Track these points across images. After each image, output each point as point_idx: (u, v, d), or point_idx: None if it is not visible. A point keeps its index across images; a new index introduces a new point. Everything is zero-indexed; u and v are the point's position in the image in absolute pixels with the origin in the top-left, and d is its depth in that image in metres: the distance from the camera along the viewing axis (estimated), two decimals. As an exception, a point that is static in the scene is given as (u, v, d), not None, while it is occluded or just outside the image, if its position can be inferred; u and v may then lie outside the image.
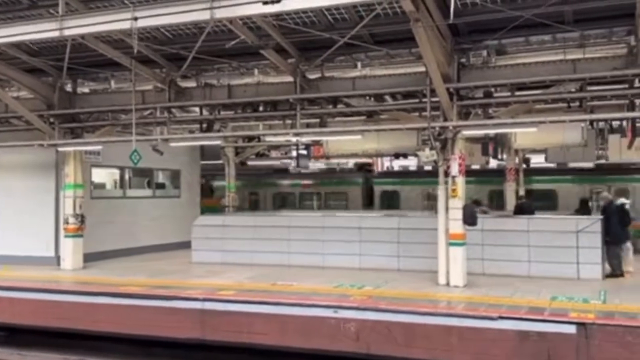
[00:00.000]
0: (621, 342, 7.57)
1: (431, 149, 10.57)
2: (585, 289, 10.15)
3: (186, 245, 15.26)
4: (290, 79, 11.71)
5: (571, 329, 7.88)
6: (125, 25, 8.43)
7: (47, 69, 12.93)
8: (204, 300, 9.91)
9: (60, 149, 13.54)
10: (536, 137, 11.82)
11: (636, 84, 9.96)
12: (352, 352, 8.96)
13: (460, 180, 10.62)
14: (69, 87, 13.94)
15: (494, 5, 9.27)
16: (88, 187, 14.74)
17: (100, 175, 15.92)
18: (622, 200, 13.22)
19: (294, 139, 14.05)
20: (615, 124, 14.58)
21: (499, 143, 13.82)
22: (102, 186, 16.11)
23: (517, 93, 11.01)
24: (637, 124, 11.02)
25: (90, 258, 14.12)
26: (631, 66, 9.68)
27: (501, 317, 8.28)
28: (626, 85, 10.30)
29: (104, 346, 10.83)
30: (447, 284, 10.69)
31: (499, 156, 14.36)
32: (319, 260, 13.22)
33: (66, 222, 13.63)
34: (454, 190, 10.61)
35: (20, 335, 11.51)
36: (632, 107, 10.43)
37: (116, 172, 16.34)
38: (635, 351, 7.49)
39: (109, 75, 13.83)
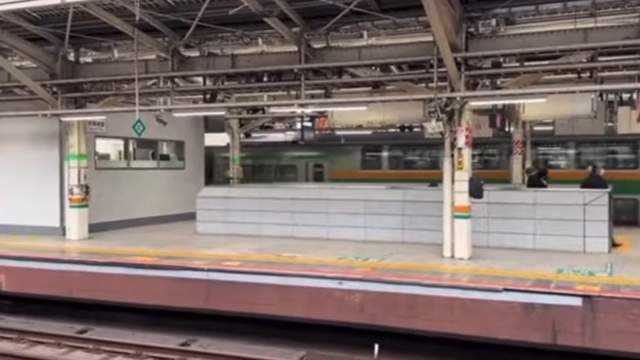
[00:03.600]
0: (627, 315, 7.53)
1: (437, 120, 10.42)
2: (592, 261, 10.11)
3: (190, 216, 15.28)
4: (294, 48, 11.51)
5: (577, 302, 7.83)
6: (127, -9, 8.27)
7: (49, 37, 12.76)
8: (209, 270, 9.93)
9: (63, 119, 13.48)
10: (545, 109, 11.69)
11: (648, 54, 9.72)
12: (356, 322, 8.98)
13: (467, 152, 10.50)
14: (71, 57, 13.78)
15: (505, -29, 9.03)
16: (92, 157, 14.73)
17: (104, 146, 15.90)
18: None
19: (298, 110, 13.89)
20: (624, 96, 14.33)
21: (507, 115, 13.64)
22: (106, 157, 16.09)
23: (526, 63, 10.78)
24: (648, 96, 10.83)
25: (94, 228, 14.18)
26: (643, 36, 9.44)
27: (506, 290, 8.25)
28: (638, 56, 10.07)
29: (112, 316, 10.93)
30: (452, 257, 10.66)
31: (507, 128, 14.18)
32: (323, 233, 13.21)
33: (71, 192, 13.64)
34: (460, 162, 10.50)
35: (29, 305, 11.61)
36: (643, 77, 10.23)
37: (120, 143, 16.30)
38: (640, 324, 7.46)
39: (112, 45, 13.63)
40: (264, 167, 22.10)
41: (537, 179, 13.31)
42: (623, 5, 9.91)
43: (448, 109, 10.46)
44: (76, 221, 13.65)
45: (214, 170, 22.57)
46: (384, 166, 19.70)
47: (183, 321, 10.47)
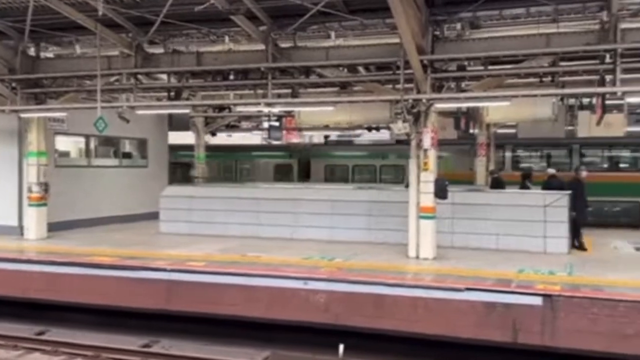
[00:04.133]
0: (586, 314, 7.70)
1: (404, 121, 10.51)
2: (552, 261, 10.32)
3: (154, 216, 15.04)
4: (261, 47, 11.45)
5: (537, 301, 7.98)
6: (90, -15, 8.10)
7: (8, 31, 12.41)
8: (171, 271, 9.78)
9: (22, 115, 13.10)
10: (508, 112, 11.89)
11: (607, 60, 9.98)
12: (321, 322, 8.96)
13: (433, 154, 10.61)
14: (32, 51, 13.41)
15: (470, -24, 9.16)
16: (52, 155, 14.37)
17: (64, 143, 15.53)
18: None
19: (265, 109, 13.81)
20: (584, 101, 14.71)
21: (471, 117, 13.82)
22: (66, 154, 15.71)
23: (490, 67, 10.98)
24: (607, 100, 11.11)
25: (54, 227, 13.84)
26: (603, 42, 9.70)
27: (468, 289, 8.35)
28: (598, 61, 10.34)
29: (70, 317, 10.64)
30: (417, 257, 10.75)
31: (471, 130, 14.39)
32: (289, 233, 13.16)
33: (30, 190, 13.29)
34: (425, 163, 10.61)
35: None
36: (602, 82, 10.48)
37: (81, 140, 15.94)
38: (600, 323, 7.63)
39: (74, 40, 13.32)
40: (365, 168, 20.13)
41: (522, 181, 13.40)
42: (584, 12, 10.17)
43: (414, 110, 10.56)
44: (35, 220, 13.29)
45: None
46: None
47: (146, 322, 10.26)
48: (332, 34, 11.97)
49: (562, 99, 13.66)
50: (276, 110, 14.48)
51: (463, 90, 11.00)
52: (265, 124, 20.75)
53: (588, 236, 12.54)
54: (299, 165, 21.36)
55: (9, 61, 12.79)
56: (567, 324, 7.79)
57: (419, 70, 10.13)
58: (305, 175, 21.03)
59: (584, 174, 12.06)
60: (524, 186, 13.39)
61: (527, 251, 11.25)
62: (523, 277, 9.03)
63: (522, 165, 16.78)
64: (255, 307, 9.27)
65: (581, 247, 11.78)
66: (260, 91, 12.61)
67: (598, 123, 12.08)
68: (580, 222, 11.97)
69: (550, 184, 12.48)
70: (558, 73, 10.81)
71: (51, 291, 10.46)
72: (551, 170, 12.97)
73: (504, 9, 10.39)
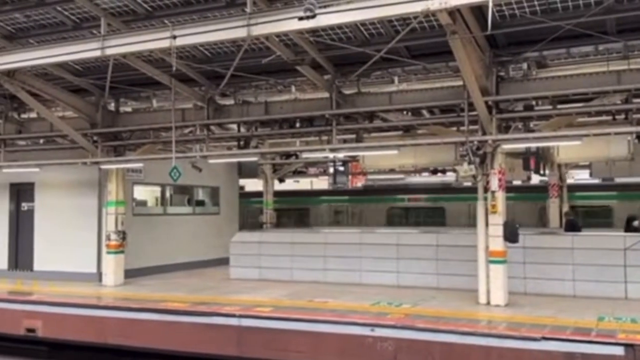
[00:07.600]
0: (674, 366, 7.18)
1: (469, 163, 10.34)
2: (634, 308, 9.72)
3: (225, 261, 15.35)
4: (326, 94, 11.72)
5: (619, 351, 7.52)
6: (165, 44, 8.56)
7: (90, 88, 13.30)
8: (241, 316, 9.90)
9: (103, 166, 13.85)
10: (580, 151, 11.50)
11: (684, 95, 9.56)
12: (389, 371, 8.77)
13: (501, 196, 10.36)
14: (112, 106, 14.28)
15: (534, 16, 9.08)
16: (130, 204, 14.99)
17: (141, 192, 16.21)
18: None
19: (330, 155, 14.00)
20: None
21: (541, 157, 13.43)
22: (143, 203, 16.38)
23: (559, 106, 10.73)
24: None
25: (131, 274, 14.34)
26: (679, 76, 9.32)
27: (544, 338, 7.98)
28: (674, 97, 9.91)
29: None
30: (488, 303, 10.39)
31: (541, 171, 13.94)
32: (356, 278, 13.08)
33: (108, 238, 13.87)
34: (493, 205, 10.35)
35: (63, 351, 11.70)
36: (681, 119, 10.02)
37: (157, 190, 16.62)
38: (689, 375, 7.09)
39: (151, 94, 14.12)
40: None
41: (627, 224, 12.29)
42: (656, 47, 9.83)
43: (480, 152, 10.39)
44: (112, 267, 13.82)
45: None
46: None
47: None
48: (396, 78, 12.12)
49: (638, 137, 13.05)
50: (341, 155, 14.64)
51: (531, 130, 10.77)
52: (331, 169, 21.02)
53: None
54: None
55: (90, 116, 13.66)
56: (653, 376, 7.28)
57: (484, 112, 10.03)
58: None
59: None
60: (631, 229, 12.17)
61: (607, 297, 10.66)
62: (603, 326, 8.54)
63: None
64: (322, 354, 9.20)
65: None
66: (325, 137, 12.83)
67: (679, 161, 11.48)
68: None
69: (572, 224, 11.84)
70: (632, 110, 10.42)
71: (127, 337, 10.79)
72: None
73: (572, 47, 10.19)
